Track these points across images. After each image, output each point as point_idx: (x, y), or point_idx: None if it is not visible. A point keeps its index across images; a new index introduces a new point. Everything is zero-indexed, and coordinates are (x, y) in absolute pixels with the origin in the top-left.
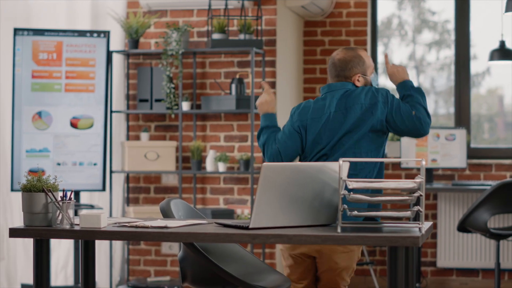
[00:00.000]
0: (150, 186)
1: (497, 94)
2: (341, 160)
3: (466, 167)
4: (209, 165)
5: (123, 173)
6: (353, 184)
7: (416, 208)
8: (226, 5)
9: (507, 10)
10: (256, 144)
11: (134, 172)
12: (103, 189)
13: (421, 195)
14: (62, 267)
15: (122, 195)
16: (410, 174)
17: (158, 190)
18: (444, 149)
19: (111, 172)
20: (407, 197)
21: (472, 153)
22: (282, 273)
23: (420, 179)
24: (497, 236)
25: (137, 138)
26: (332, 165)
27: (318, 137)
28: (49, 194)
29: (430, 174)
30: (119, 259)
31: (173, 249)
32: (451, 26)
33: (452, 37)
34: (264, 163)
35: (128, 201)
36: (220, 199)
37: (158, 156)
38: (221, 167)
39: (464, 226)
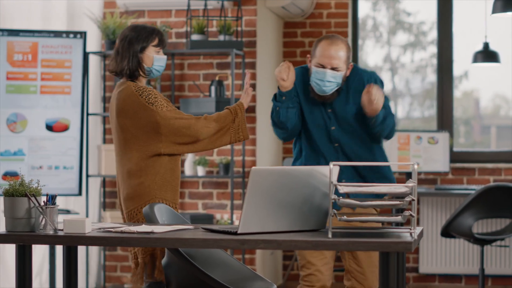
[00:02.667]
0: None
1: (473, 97)
2: (331, 164)
3: (449, 171)
4: (187, 169)
5: (99, 177)
6: (344, 188)
7: (408, 213)
8: (205, 5)
9: (494, 11)
10: (236, 147)
11: (111, 176)
12: (79, 193)
13: (413, 200)
14: (37, 273)
15: (99, 199)
16: None
17: None
18: (426, 153)
19: (87, 176)
20: (398, 202)
21: (455, 157)
22: (266, 279)
23: (412, 183)
24: (482, 241)
25: None
26: (322, 169)
27: None
28: (32, 199)
29: None
30: (95, 265)
31: None
32: (427, 27)
33: (428, 38)
34: (253, 167)
35: (104, 205)
36: (199, 203)
37: None
38: (200, 171)
39: (448, 231)
